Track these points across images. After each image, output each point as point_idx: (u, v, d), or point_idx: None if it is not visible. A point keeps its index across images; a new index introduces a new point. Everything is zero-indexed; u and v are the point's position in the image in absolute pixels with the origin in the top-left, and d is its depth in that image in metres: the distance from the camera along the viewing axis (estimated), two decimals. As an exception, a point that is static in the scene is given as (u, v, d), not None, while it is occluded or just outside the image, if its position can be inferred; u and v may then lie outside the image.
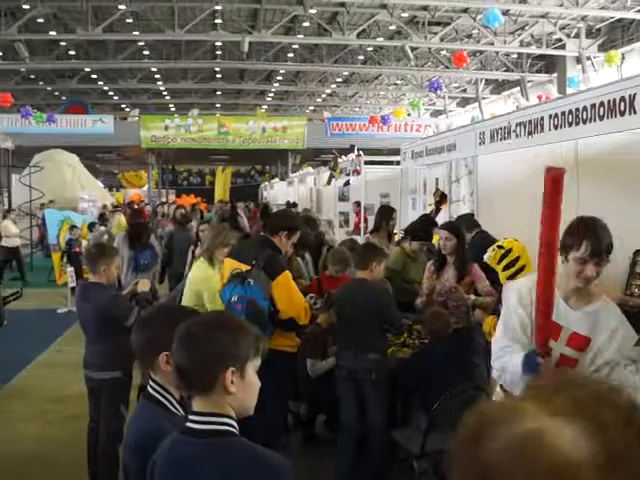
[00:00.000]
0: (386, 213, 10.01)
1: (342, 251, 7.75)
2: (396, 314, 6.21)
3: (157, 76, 46.74)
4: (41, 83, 50.50)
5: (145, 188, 44.79)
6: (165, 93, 51.89)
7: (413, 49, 33.63)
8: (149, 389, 2.95)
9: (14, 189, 20.25)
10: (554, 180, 3.15)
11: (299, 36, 37.07)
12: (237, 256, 6.05)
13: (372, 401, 6.01)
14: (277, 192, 35.20)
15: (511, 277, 5.56)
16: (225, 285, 5.82)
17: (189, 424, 2.36)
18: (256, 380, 2.41)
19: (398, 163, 14.89)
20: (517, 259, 5.69)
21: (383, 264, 6.41)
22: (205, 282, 6.64)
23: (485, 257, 5.95)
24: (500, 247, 5.84)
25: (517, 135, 8.27)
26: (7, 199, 18.31)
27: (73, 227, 16.79)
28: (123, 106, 54.49)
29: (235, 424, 2.36)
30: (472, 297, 6.68)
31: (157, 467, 2.41)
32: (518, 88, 37.50)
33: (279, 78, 47.06)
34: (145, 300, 5.86)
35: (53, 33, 38.94)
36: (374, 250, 6.51)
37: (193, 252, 9.90)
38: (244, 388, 2.35)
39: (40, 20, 37.85)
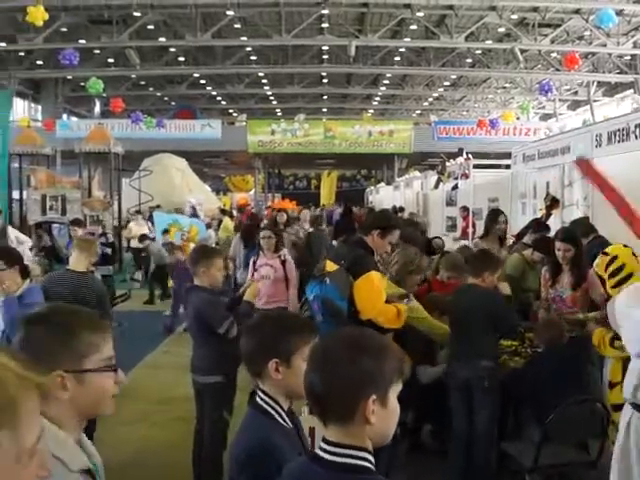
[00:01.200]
0: (493, 216, 9.71)
1: (456, 257, 7.52)
2: (509, 314, 5.94)
3: (264, 81, 47.23)
4: (151, 89, 51.80)
5: (252, 192, 45.29)
6: (272, 98, 52.40)
7: (522, 51, 32.91)
8: (257, 398, 2.75)
9: (124, 193, 20.68)
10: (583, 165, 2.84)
11: (406, 39, 36.77)
12: (334, 257, 5.96)
13: (482, 410, 5.75)
14: (383, 196, 35.01)
15: (616, 286, 5.16)
16: (309, 284, 5.83)
17: (320, 452, 2.08)
18: (397, 406, 2.09)
19: (507, 167, 14.52)
20: (622, 266, 5.25)
21: (497, 274, 6.12)
22: None
23: (594, 265, 5.56)
24: (605, 254, 5.43)
25: (636, 137, 7.90)
26: (117, 202, 18.65)
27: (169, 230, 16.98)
28: (230, 111, 55.34)
29: (372, 459, 2.06)
30: (580, 315, 6.29)
31: None
32: (632, 90, 36.23)
33: (385, 82, 46.85)
34: (244, 314, 5.71)
35: (163, 39, 39.84)
36: (489, 260, 6.21)
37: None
38: (385, 417, 2.05)
39: (150, 27, 38.78)
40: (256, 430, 2.65)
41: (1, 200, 17.39)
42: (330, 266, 5.75)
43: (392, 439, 2.15)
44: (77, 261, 6.62)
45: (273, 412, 2.69)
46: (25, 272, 5.84)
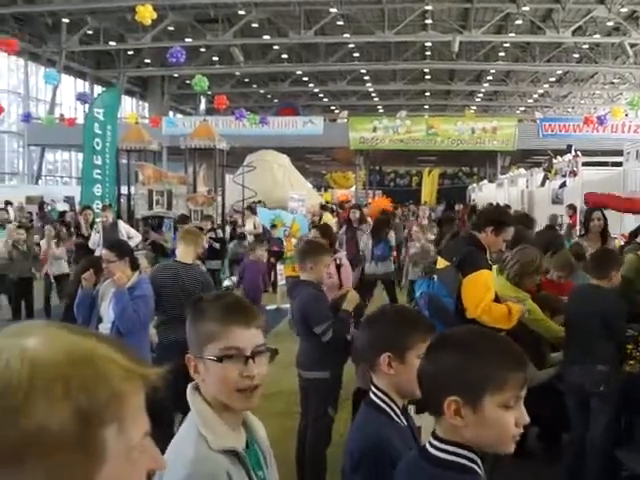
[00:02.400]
0: (587, 214, 9.33)
1: (567, 256, 7.23)
2: (621, 326, 5.67)
3: (366, 78, 47.24)
4: (254, 86, 52.51)
5: (352, 189, 45.27)
6: (374, 94, 52.35)
7: (632, 45, 31.91)
8: (371, 394, 2.69)
9: (227, 188, 20.92)
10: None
11: (511, 34, 36.15)
12: (445, 254, 5.86)
13: (598, 416, 5.53)
14: (486, 194, 34.49)
15: None
16: (417, 281, 5.82)
17: (428, 446, 2.06)
18: (499, 418, 1.94)
19: (615, 164, 14.04)
20: None
21: (620, 272, 5.87)
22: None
23: None
24: None
25: None
26: (221, 198, 18.88)
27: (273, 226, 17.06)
28: (332, 108, 55.55)
29: (478, 460, 2.01)
30: None
31: None
32: None
33: (489, 78, 46.19)
34: (341, 323, 5.60)
35: (267, 37, 40.30)
36: (613, 257, 5.97)
37: None
38: (476, 424, 1.95)
39: (254, 25, 39.30)
40: (370, 427, 2.60)
41: (110, 195, 17.89)
42: (441, 263, 5.64)
43: None
44: (184, 253, 6.71)
45: (387, 409, 2.63)
46: (135, 264, 5.94)
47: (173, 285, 6.38)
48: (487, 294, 5.41)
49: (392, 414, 2.62)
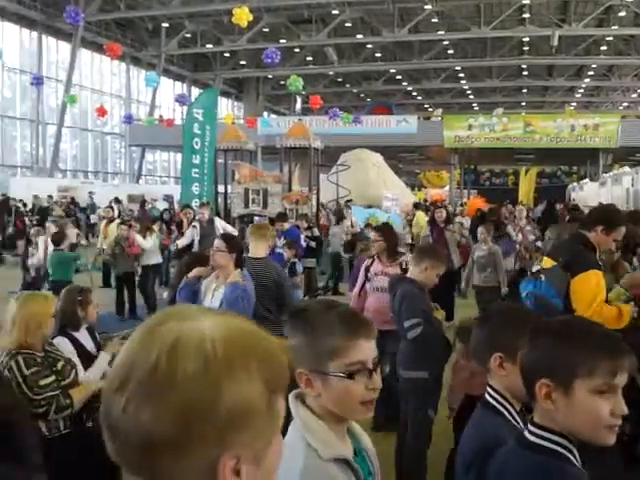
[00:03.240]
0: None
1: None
2: None
3: (461, 75, 46.72)
4: (348, 85, 52.59)
5: (446, 188, 44.81)
6: (469, 92, 51.72)
7: None
8: (486, 395, 2.61)
9: (322, 187, 20.95)
10: None
11: (613, 27, 35.12)
12: (552, 253, 5.66)
13: None
14: (587, 193, 33.57)
15: None
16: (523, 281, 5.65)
17: (525, 432, 2.10)
18: (590, 404, 1.95)
19: None
20: None
21: None
22: None
23: None
24: None
25: None
26: (316, 196, 18.89)
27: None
28: (426, 106, 55.15)
29: (573, 449, 2.01)
30: None
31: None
32: None
33: (590, 73, 45.05)
34: (432, 325, 5.44)
35: (360, 36, 40.28)
36: None
37: None
38: (569, 408, 1.98)
39: (348, 24, 39.31)
40: (485, 428, 2.52)
41: (208, 194, 18.12)
42: (547, 262, 5.43)
43: (602, 448, 2.02)
44: (256, 248, 6.76)
45: (503, 410, 2.55)
46: (240, 263, 5.96)
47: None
48: (598, 294, 5.19)
49: (508, 415, 2.54)
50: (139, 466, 1.05)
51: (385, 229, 7.81)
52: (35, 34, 38.71)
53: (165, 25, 41.20)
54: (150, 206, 26.08)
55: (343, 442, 2.07)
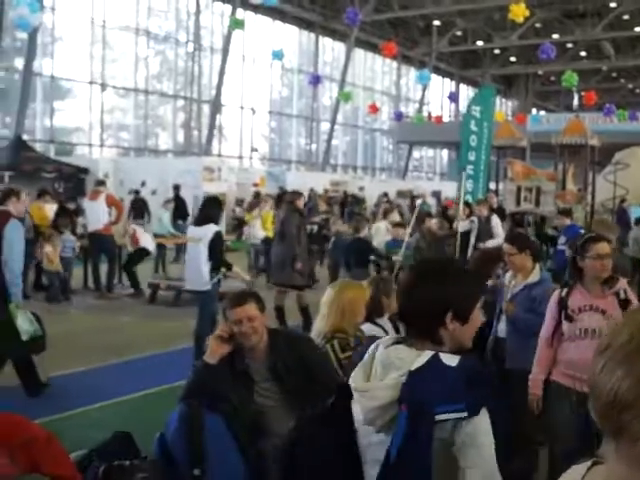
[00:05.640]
0: None
1: None
2: None
3: None
4: (622, 81, 50.38)
5: None
6: None
7: None
8: None
9: (598, 185, 20.51)
10: None
11: None
12: None
13: None
14: None
15: None
16: None
17: None
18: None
19: None
20: None
21: None
22: None
23: None
24: None
25: None
26: (591, 195, 18.61)
27: None
28: None
29: None
30: None
31: None
32: None
33: None
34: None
35: (638, 29, 38.52)
36: None
37: None
38: None
39: (625, 17, 37.76)
40: None
41: (482, 190, 18.39)
42: None
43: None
44: None
45: None
46: (537, 257, 5.72)
47: None
48: None
49: None
50: (608, 423, 1.19)
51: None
52: (313, 35, 40.78)
53: (436, 23, 41.79)
54: (421, 200, 26.73)
55: None
